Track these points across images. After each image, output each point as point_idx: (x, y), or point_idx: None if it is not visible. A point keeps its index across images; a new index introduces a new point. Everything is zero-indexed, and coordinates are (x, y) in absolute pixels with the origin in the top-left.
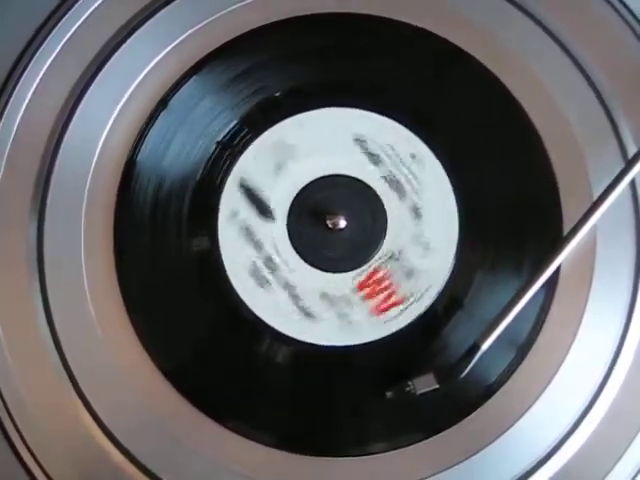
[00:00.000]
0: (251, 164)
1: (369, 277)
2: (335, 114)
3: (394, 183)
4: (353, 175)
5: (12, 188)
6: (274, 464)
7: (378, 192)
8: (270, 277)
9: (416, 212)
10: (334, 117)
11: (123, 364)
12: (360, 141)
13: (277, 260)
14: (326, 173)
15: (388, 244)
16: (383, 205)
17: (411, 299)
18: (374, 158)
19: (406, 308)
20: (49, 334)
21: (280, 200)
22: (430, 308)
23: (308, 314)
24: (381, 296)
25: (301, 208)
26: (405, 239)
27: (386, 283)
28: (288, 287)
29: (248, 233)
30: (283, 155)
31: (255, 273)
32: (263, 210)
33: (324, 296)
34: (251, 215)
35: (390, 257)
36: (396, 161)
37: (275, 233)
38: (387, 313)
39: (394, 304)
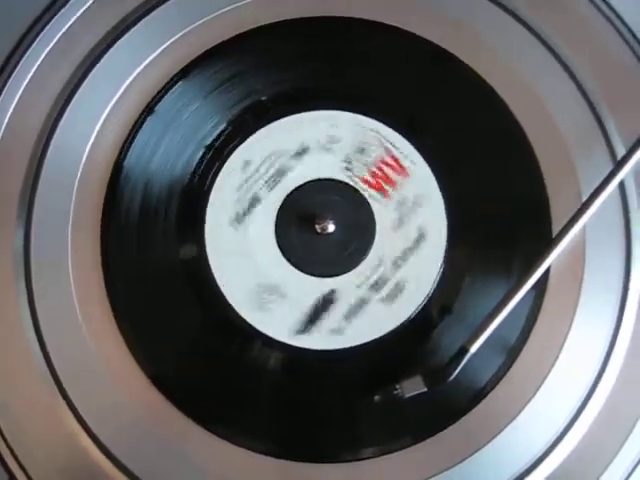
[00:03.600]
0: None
1: (372, 185)
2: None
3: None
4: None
5: None
6: (264, 471)
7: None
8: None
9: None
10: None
11: (110, 370)
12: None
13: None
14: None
15: (338, 169)
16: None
17: (403, 152)
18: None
19: (406, 157)
20: (36, 339)
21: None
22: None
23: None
24: (389, 171)
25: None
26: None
27: (378, 167)
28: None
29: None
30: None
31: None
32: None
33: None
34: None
35: (347, 167)
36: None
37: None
38: (407, 169)
39: (396, 161)
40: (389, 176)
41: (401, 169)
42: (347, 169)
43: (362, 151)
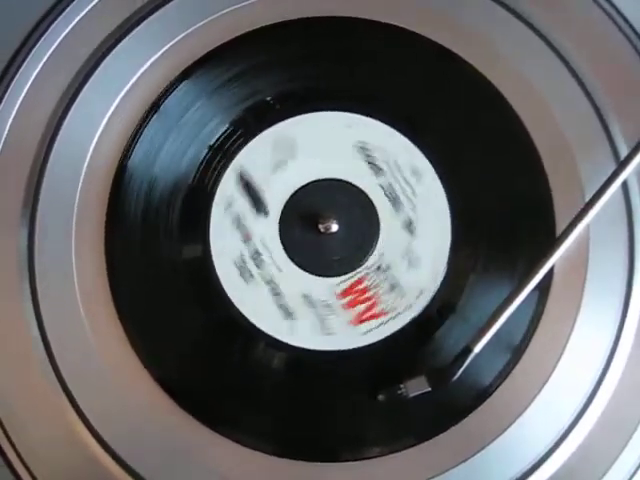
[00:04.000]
0: (251, 157)
1: (352, 286)
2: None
3: (392, 194)
4: (351, 181)
5: (3, 193)
6: (268, 470)
7: (374, 201)
8: (255, 271)
9: (410, 227)
10: (333, 121)
11: (115, 370)
12: (363, 149)
13: (264, 256)
14: (324, 176)
15: (377, 255)
16: (377, 215)
17: (390, 314)
18: (375, 167)
19: (384, 323)
20: (40, 340)
21: (275, 198)
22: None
23: (288, 313)
24: (362, 307)
25: (295, 209)
26: (395, 252)
27: (369, 294)
28: (271, 284)
29: (239, 224)
30: (284, 153)
31: (241, 266)
32: (258, 204)
33: (306, 298)
34: (245, 207)
35: (378, 268)
36: (396, 173)
37: (266, 229)
38: (365, 324)
39: (373, 316)
40: (357, 304)
41: (364, 319)
42: (379, 268)
43: (393, 288)
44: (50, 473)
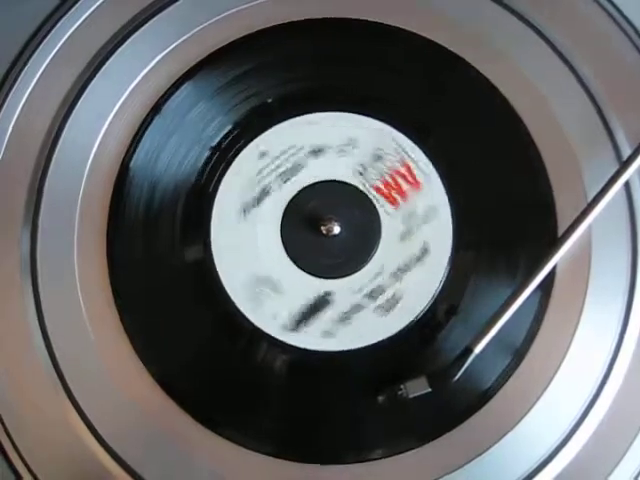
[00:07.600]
0: (266, 318)
1: (380, 192)
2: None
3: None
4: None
5: (5, 196)
6: (269, 472)
7: (344, 179)
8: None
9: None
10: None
11: (116, 371)
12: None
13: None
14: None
15: (352, 173)
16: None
17: (411, 161)
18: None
19: (421, 169)
20: (42, 341)
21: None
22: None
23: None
24: (403, 183)
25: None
26: (364, 145)
27: (391, 173)
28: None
29: (327, 331)
30: (266, 287)
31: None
32: (308, 317)
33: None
34: (317, 329)
35: (361, 173)
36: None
37: (348, 285)
38: (421, 183)
39: (409, 172)
40: (401, 187)
41: (414, 181)
42: (360, 174)
43: (378, 158)
44: (50, 471)
